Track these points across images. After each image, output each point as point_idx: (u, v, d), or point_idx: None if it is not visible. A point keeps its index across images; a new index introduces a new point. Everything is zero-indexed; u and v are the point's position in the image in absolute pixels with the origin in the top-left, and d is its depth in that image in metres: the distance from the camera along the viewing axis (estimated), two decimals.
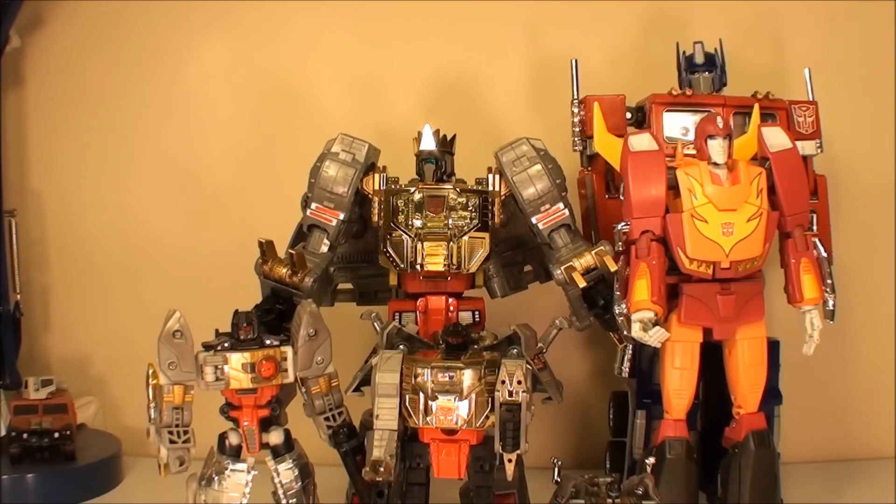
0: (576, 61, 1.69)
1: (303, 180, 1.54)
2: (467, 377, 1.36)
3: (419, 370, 1.36)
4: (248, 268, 1.51)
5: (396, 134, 1.66)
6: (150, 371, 1.32)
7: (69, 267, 2.07)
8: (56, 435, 1.78)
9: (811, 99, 1.68)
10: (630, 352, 1.58)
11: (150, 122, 2.03)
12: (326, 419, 1.41)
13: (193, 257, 2.02)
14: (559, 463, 1.31)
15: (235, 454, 1.38)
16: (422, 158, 1.55)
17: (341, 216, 1.52)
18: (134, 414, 1.77)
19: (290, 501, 1.38)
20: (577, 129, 1.67)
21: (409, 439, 1.40)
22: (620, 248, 1.46)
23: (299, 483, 1.39)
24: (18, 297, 1.91)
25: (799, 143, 1.51)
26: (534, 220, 1.52)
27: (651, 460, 1.39)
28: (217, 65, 2.03)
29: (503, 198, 1.53)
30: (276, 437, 1.38)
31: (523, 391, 1.32)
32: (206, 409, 1.36)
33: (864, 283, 1.93)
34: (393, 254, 1.49)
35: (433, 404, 1.36)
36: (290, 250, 1.47)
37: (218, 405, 1.37)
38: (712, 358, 1.48)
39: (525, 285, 1.68)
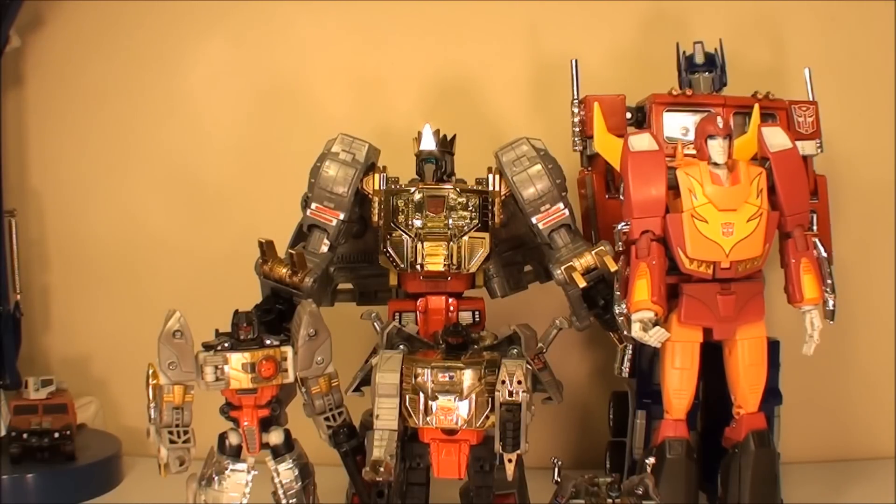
0: (576, 61, 1.69)
1: (303, 180, 1.54)
2: (467, 377, 1.36)
3: (419, 370, 1.36)
4: (248, 268, 1.51)
5: (396, 134, 1.66)
6: (150, 371, 1.32)
7: (69, 267, 2.06)
8: (56, 435, 1.78)
9: (811, 99, 1.68)
10: (630, 352, 1.58)
11: (151, 121, 2.03)
12: (326, 419, 1.41)
13: (193, 257, 2.02)
14: (559, 463, 1.31)
15: (235, 454, 1.38)
16: (422, 158, 1.55)
17: (341, 216, 1.52)
18: (134, 414, 1.77)
19: (290, 501, 1.38)
20: (577, 129, 1.67)
21: (409, 439, 1.40)
22: (620, 248, 1.46)
23: (299, 483, 1.39)
24: (18, 297, 1.90)
25: (799, 143, 1.51)
26: (534, 220, 1.52)
27: (651, 460, 1.39)
28: (217, 65, 2.03)
29: (503, 198, 1.53)
30: (276, 437, 1.38)
31: (523, 391, 1.32)
32: (206, 409, 1.36)
33: (864, 283, 1.93)
34: (393, 254, 1.49)
35: (433, 404, 1.36)
36: (290, 250, 1.47)
37: (218, 405, 1.37)
38: (712, 358, 1.48)
39: (525, 285, 1.68)
